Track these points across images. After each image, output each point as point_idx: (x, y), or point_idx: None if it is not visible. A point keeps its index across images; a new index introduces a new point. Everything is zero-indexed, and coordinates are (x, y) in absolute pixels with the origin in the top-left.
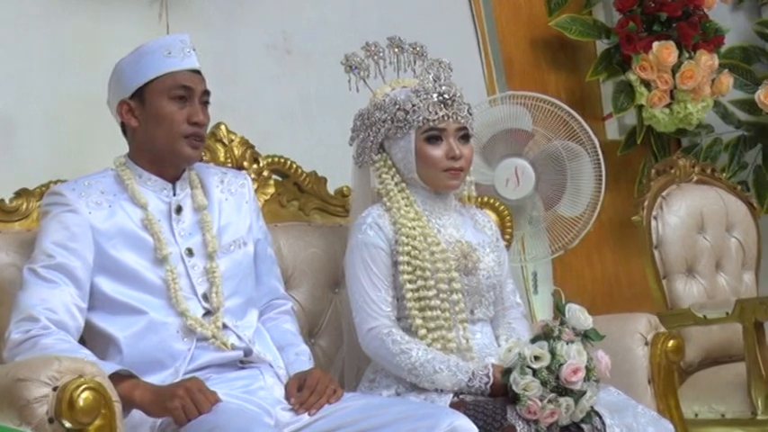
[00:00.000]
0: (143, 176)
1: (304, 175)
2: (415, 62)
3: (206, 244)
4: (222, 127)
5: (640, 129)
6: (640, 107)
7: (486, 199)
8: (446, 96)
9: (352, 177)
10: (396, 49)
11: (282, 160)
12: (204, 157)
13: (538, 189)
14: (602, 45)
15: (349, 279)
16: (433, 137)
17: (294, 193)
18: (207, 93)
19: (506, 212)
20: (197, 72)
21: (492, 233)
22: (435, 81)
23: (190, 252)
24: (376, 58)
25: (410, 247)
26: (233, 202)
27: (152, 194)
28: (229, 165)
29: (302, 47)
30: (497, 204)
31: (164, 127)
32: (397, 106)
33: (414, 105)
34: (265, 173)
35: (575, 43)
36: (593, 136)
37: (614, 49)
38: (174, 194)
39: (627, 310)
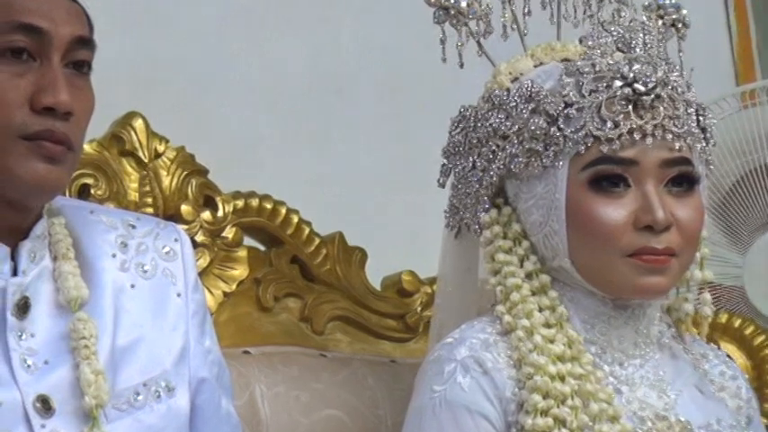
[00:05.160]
0: None
1: (316, 241)
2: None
3: (82, 388)
4: (138, 122)
5: None
6: None
7: (722, 318)
8: (643, 88)
9: (441, 259)
10: None
11: (269, 206)
12: (95, 191)
13: None
14: None
15: None
16: (608, 177)
17: (292, 281)
18: (84, 42)
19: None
20: None
21: (741, 403)
22: (623, 49)
23: (45, 405)
24: None
25: (551, 421)
26: (147, 291)
27: None
28: (150, 212)
29: None
30: (749, 332)
31: None
32: (532, 105)
33: (569, 104)
34: (229, 232)
35: None
36: None
37: None
38: (16, 272)
39: None
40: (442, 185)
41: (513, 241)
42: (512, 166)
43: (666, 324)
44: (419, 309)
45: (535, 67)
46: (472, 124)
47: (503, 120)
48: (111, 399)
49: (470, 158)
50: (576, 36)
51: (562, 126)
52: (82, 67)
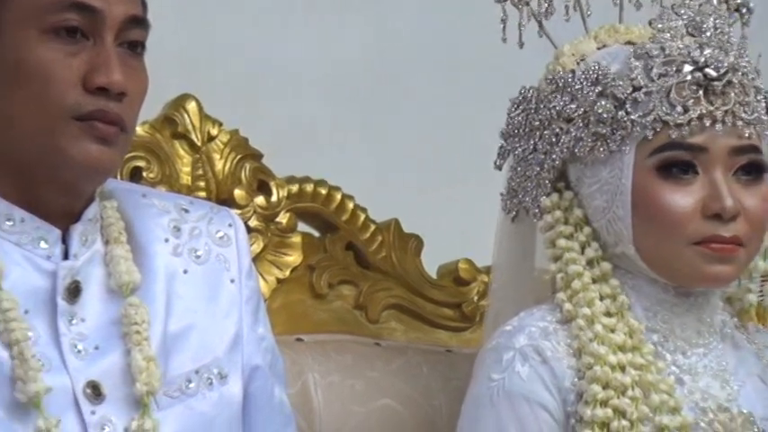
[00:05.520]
0: None
1: (372, 227)
2: None
3: (133, 375)
4: (192, 105)
5: None
6: None
7: None
8: (714, 73)
9: (497, 244)
10: None
11: (324, 192)
12: (147, 174)
13: None
14: None
15: None
16: (677, 163)
17: (346, 268)
18: (138, 22)
19: None
20: None
21: None
22: (693, 33)
23: (95, 391)
24: None
25: (611, 412)
26: (200, 276)
27: (15, 252)
28: (203, 195)
29: None
30: None
31: (31, 93)
32: (599, 88)
33: (637, 88)
34: (283, 217)
35: None
36: None
37: None
38: (67, 256)
39: None
40: (499, 167)
41: (575, 227)
42: (576, 150)
43: (729, 314)
44: (476, 298)
45: (598, 49)
46: (534, 106)
47: (567, 102)
48: (163, 386)
49: (531, 141)
50: (638, 18)
51: (630, 110)
52: (135, 48)
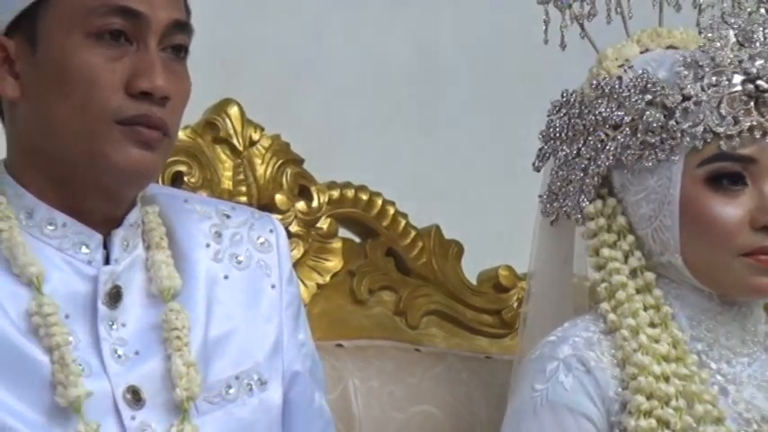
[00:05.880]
0: (36, 214)
1: (412, 233)
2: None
3: (173, 380)
4: (234, 110)
5: None
6: None
7: None
8: (766, 84)
9: (536, 249)
10: None
11: (365, 197)
12: (188, 179)
13: None
14: None
15: None
16: (727, 175)
17: (387, 274)
18: (181, 27)
19: None
20: None
21: None
22: (743, 44)
23: (135, 396)
24: None
25: (654, 423)
26: (241, 282)
27: (56, 257)
28: (244, 200)
29: None
30: None
31: (74, 98)
32: (648, 96)
33: (687, 98)
34: (324, 223)
35: None
36: None
37: None
38: (108, 261)
39: None
40: (538, 170)
41: (618, 235)
42: (623, 158)
43: None
44: (515, 305)
45: (641, 53)
46: (577, 110)
47: (614, 109)
48: (203, 391)
49: (575, 145)
50: (678, 20)
51: (679, 120)
52: (179, 52)
